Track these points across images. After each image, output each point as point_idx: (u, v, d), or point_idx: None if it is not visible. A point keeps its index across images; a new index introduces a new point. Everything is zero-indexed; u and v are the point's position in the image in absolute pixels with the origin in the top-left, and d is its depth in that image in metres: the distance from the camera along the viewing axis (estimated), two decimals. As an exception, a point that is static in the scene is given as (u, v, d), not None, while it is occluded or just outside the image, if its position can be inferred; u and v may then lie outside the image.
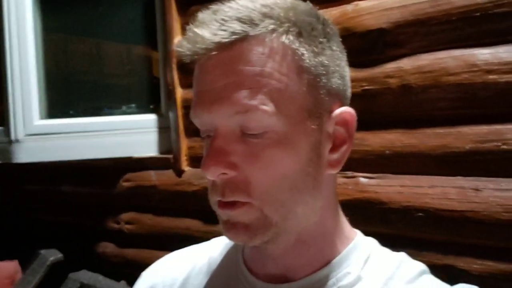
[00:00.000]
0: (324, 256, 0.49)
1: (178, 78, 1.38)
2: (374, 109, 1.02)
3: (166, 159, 1.44)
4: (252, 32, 0.42)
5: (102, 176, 1.60)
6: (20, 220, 1.86)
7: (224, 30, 0.41)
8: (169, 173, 1.44)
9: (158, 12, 1.40)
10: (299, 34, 0.44)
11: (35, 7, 1.54)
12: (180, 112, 1.39)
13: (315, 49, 0.45)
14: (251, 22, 0.42)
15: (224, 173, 0.43)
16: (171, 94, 1.39)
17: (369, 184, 1.02)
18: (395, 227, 0.97)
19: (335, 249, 0.50)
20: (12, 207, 1.89)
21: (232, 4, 0.44)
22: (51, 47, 1.59)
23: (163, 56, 1.42)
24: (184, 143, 1.41)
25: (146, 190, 1.49)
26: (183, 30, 1.37)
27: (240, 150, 0.44)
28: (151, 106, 1.54)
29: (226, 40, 0.41)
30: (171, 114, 1.42)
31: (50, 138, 1.53)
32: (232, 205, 0.44)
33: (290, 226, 0.46)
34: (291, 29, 0.44)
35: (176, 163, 1.42)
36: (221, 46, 0.42)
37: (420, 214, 0.94)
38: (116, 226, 1.59)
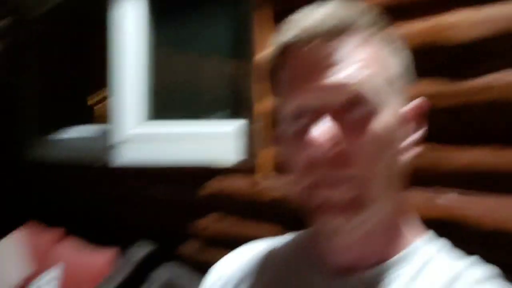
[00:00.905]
0: (383, 253, 0.51)
1: (265, 87, 1.44)
2: (462, 124, 0.98)
3: (249, 166, 1.50)
4: (357, 22, 0.47)
5: (190, 179, 1.71)
6: (113, 219, 2.04)
7: (327, 21, 0.46)
8: (251, 179, 1.49)
9: (252, 22, 1.47)
10: (384, 38, 0.50)
11: (147, 20, 1.70)
12: (265, 120, 1.44)
13: (393, 52, 0.51)
14: (350, 17, 0.47)
15: (326, 148, 0.45)
16: (257, 102, 1.45)
17: (455, 202, 0.98)
18: (480, 250, 0.91)
19: (397, 247, 0.51)
20: (107, 207, 2.08)
21: (328, 6, 0.49)
22: (153, 58, 1.75)
23: (251, 66, 1.49)
24: (267, 151, 1.45)
25: (229, 195, 1.56)
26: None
27: (343, 126, 0.46)
28: (238, 115, 1.62)
29: (330, 28, 0.46)
30: (255, 123, 1.47)
31: (148, 141, 1.67)
32: (331, 184, 0.46)
33: (379, 209, 0.48)
34: (379, 31, 0.49)
35: (258, 170, 1.47)
36: (326, 34, 0.46)
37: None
38: (199, 228, 1.68)
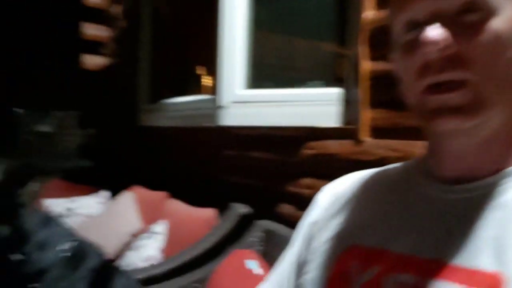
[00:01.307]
0: (500, 163, 0.50)
1: (366, 50, 1.43)
2: None
3: (347, 130, 1.51)
4: None
5: (287, 144, 1.77)
6: (218, 179, 2.18)
7: None
8: (349, 143, 1.50)
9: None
10: None
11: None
12: (366, 83, 1.44)
13: None
14: None
15: (442, 48, 0.45)
16: (358, 66, 1.45)
17: None
18: None
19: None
20: (212, 168, 2.23)
21: None
22: (256, 28, 1.83)
23: (353, 29, 1.49)
24: (367, 114, 1.45)
25: (326, 158, 1.59)
26: (377, 5, 1.43)
27: (459, 27, 0.46)
28: (336, 79, 1.63)
29: None
30: (356, 86, 1.48)
31: (250, 105, 1.76)
32: (448, 87, 0.46)
33: (495, 114, 0.47)
34: None
35: (356, 133, 1.47)
36: None
37: None
38: (295, 190, 1.74)
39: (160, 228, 1.99)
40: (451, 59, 0.46)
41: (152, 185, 2.36)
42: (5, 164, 0.93)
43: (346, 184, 0.67)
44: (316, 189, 1.73)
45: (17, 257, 0.93)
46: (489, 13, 0.46)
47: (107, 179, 2.70)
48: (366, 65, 1.43)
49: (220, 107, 1.82)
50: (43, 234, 0.97)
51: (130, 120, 2.79)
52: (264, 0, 1.86)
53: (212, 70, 2.65)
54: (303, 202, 1.75)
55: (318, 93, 1.63)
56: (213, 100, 1.88)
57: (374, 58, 1.43)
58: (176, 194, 2.18)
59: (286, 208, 1.77)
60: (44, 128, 3.16)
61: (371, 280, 0.53)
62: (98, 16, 3.71)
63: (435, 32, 0.45)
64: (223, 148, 2.13)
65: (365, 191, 0.63)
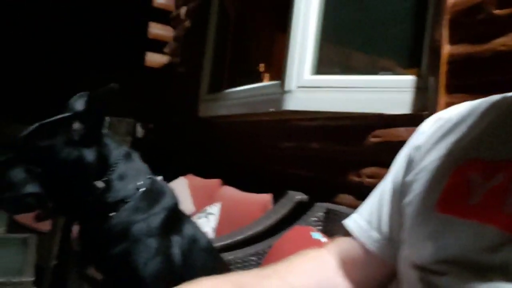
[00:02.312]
0: None
1: (447, 34, 1.40)
2: None
3: (419, 117, 1.46)
4: None
5: (351, 132, 1.74)
6: (275, 169, 2.17)
7: None
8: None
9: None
10: None
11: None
12: (444, 68, 1.40)
13: None
14: None
15: None
16: (437, 50, 1.42)
17: None
18: None
19: None
20: (270, 157, 2.23)
21: None
22: (328, 16, 1.84)
23: (433, 13, 1.47)
24: (443, 100, 1.41)
25: (394, 146, 1.54)
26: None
27: None
28: (409, 65, 1.60)
29: None
30: (432, 72, 1.44)
31: (316, 91, 1.76)
32: None
33: None
34: None
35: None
36: None
37: None
38: (357, 179, 1.70)
39: (214, 209, 2.00)
40: None
41: (209, 173, 2.39)
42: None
43: (454, 111, 0.65)
44: (379, 179, 1.69)
45: (99, 184, 0.96)
46: None
47: (164, 167, 2.75)
48: (446, 48, 1.40)
49: (286, 91, 1.82)
50: (124, 166, 1.00)
51: (191, 111, 2.85)
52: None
53: (272, 68, 2.69)
54: (365, 192, 1.72)
55: (388, 80, 1.60)
56: (278, 86, 1.89)
57: (453, 41, 1.39)
58: (233, 182, 2.19)
59: (346, 199, 1.73)
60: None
61: (498, 185, 0.50)
62: (164, 16, 3.88)
63: None
64: (282, 138, 2.13)
65: (480, 112, 0.60)
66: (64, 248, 2.21)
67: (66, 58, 4.11)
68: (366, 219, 0.66)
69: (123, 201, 0.96)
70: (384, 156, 1.58)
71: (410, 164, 0.64)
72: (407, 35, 1.63)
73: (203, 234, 1.09)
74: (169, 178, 2.56)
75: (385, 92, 1.59)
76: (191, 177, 2.49)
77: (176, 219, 1.02)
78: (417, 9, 1.55)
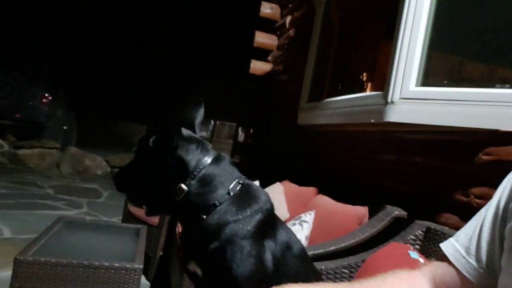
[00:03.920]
0: None
1: None
2: None
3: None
4: None
5: (458, 148, 1.63)
6: (373, 182, 2.12)
7: None
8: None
9: None
10: None
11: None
12: None
13: None
14: None
15: None
16: None
17: None
18: None
19: None
20: (369, 169, 2.17)
21: None
22: (438, 24, 1.75)
23: None
24: None
25: (508, 165, 1.41)
26: None
27: None
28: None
29: None
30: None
31: (421, 103, 1.68)
32: None
33: None
34: None
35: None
36: None
37: None
38: (464, 199, 1.58)
39: (308, 217, 2.00)
40: None
41: (305, 181, 2.40)
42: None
43: None
44: (488, 199, 1.58)
45: (183, 187, 1.02)
46: None
47: (261, 171, 2.84)
48: None
49: (388, 102, 1.77)
50: (212, 171, 1.04)
51: (290, 119, 2.90)
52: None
53: (375, 78, 2.62)
54: (472, 213, 1.60)
55: (505, 93, 1.47)
56: (380, 96, 1.84)
57: None
58: (328, 192, 2.18)
59: (450, 219, 1.62)
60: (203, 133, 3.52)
61: None
62: (269, 25, 4.01)
63: None
64: (382, 150, 2.07)
65: None
66: (169, 242, 2.39)
67: (176, 64, 4.44)
68: (464, 245, 0.63)
69: (214, 204, 1.00)
70: (496, 176, 1.46)
71: None
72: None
73: (298, 241, 1.10)
74: (266, 182, 2.63)
75: (501, 106, 1.47)
76: (287, 183, 2.53)
77: (270, 223, 1.05)
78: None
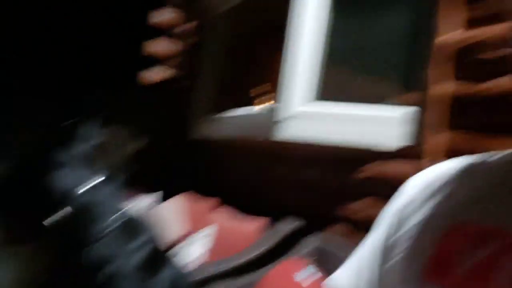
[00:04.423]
0: None
1: (445, 69, 1.39)
2: None
3: (410, 151, 1.45)
4: None
5: (345, 163, 1.72)
6: (269, 195, 2.14)
7: None
8: (411, 165, 1.43)
9: (432, 4, 1.45)
10: None
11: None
12: (441, 105, 1.39)
13: None
14: None
15: None
16: (432, 85, 1.41)
17: None
18: None
19: None
20: (264, 182, 2.19)
21: None
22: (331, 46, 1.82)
23: (430, 51, 1.45)
24: (438, 137, 1.39)
25: (386, 180, 1.52)
26: (467, 23, 1.39)
27: None
28: (403, 98, 1.58)
29: None
30: (427, 107, 1.43)
31: (310, 120, 1.74)
32: None
33: None
34: None
35: (419, 155, 1.41)
36: None
37: None
38: (348, 213, 1.66)
39: (208, 231, 1.97)
40: None
41: (206, 194, 2.36)
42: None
43: (439, 170, 0.63)
44: (372, 213, 1.66)
45: (53, 219, 0.91)
46: None
47: (160, 186, 2.73)
48: (444, 86, 1.39)
49: (280, 120, 1.80)
50: (94, 200, 0.94)
51: (186, 132, 2.83)
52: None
53: (271, 89, 2.67)
54: (357, 225, 1.68)
55: (384, 113, 1.58)
56: (273, 113, 1.87)
57: (454, 78, 1.38)
58: (230, 204, 2.16)
59: (339, 230, 1.70)
60: (97, 140, 3.29)
61: (487, 256, 0.47)
62: (162, 32, 3.88)
63: None
64: (276, 165, 2.10)
65: (469, 173, 0.58)
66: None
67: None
68: (344, 284, 0.63)
69: (94, 236, 0.91)
70: (375, 190, 1.57)
71: (396, 226, 0.62)
72: (407, 68, 1.62)
73: (183, 275, 1.05)
74: (166, 196, 2.53)
75: (383, 124, 1.57)
76: (188, 196, 2.46)
77: (153, 259, 0.98)
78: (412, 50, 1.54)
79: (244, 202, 2.11)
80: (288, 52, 1.80)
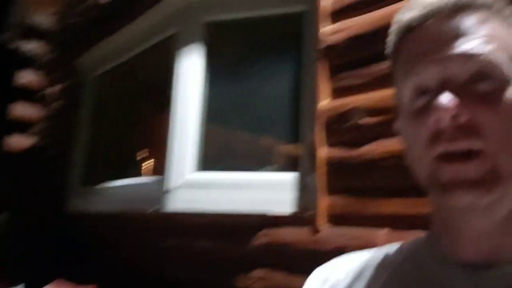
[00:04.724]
0: None
1: (323, 136, 1.46)
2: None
3: (303, 217, 1.47)
4: (474, 2, 0.48)
5: (238, 232, 1.67)
6: (158, 272, 1.98)
7: None
8: (305, 231, 1.45)
9: (307, 74, 1.54)
10: (504, 16, 0.49)
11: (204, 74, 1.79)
12: (322, 170, 1.44)
13: None
14: None
15: (455, 116, 0.44)
16: (314, 152, 1.46)
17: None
18: None
19: None
20: (152, 259, 2.04)
21: None
22: (210, 115, 1.81)
23: (308, 117, 1.52)
24: (323, 201, 1.43)
25: (280, 247, 1.51)
26: (330, 94, 1.50)
27: (471, 96, 0.45)
28: (291, 166, 1.62)
29: (455, 2, 0.47)
30: (312, 172, 1.47)
31: (200, 189, 1.68)
32: (462, 157, 0.44)
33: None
34: (499, 10, 0.49)
35: (313, 221, 1.43)
36: (450, 8, 0.47)
37: None
38: (246, 283, 1.61)
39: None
40: (464, 127, 0.44)
41: (81, 279, 2.09)
42: None
43: (337, 267, 0.62)
44: (269, 281, 1.62)
45: None
46: (502, 83, 0.45)
47: (27, 271, 2.36)
48: (323, 152, 1.45)
49: (168, 190, 1.71)
50: None
51: (58, 205, 2.54)
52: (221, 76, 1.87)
53: (154, 153, 2.56)
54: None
55: (273, 178, 1.60)
56: (160, 183, 1.77)
57: (330, 144, 1.45)
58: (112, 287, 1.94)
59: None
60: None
61: None
62: (29, 95, 3.55)
63: (448, 99, 0.44)
64: (165, 237, 1.97)
65: (363, 275, 0.57)
66: None
67: None
68: None
69: None
70: (271, 258, 1.55)
71: None
72: (292, 133, 1.67)
73: None
74: (33, 285, 2.19)
75: (269, 190, 1.58)
76: (61, 283, 2.16)
77: None
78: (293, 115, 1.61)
79: (129, 283, 1.92)
80: (173, 120, 1.75)
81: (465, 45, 0.46)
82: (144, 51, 2.28)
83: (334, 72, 1.47)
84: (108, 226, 2.29)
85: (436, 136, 0.45)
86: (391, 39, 0.53)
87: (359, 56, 1.39)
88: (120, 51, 2.41)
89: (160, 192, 1.74)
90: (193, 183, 1.68)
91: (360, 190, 1.34)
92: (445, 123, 0.44)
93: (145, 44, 2.24)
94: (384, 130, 1.28)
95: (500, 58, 0.45)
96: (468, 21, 0.47)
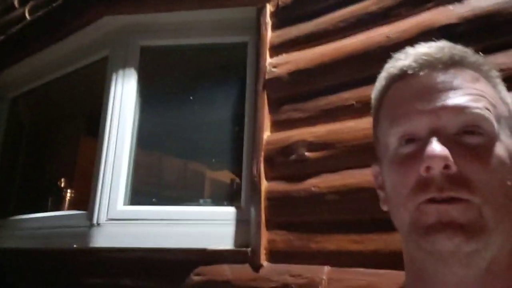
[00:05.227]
0: None
1: (264, 170, 1.43)
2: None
3: (243, 253, 1.41)
4: (469, 58, 0.50)
5: (172, 269, 1.57)
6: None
7: (445, 51, 0.49)
8: (245, 267, 1.39)
9: (249, 107, 1.52)
10: (493, 75, 0.53)
11: (136, 106, 1.71)
12: (263, 204, 1.40)
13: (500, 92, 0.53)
14: (466, 52, 0.51)
15: (446, 166, 0.44)
16: (255, 186, 1.42)
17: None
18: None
19: None
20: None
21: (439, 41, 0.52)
22: (142, 143, 1.72)
23: (249, 149, 1.49)
24: (265, 237, 1.39)
25: (219, 285, 1.43)
26: (272, 127, 1.48)
27: (461, 147, 0.45)
28: (230, 199, 1.57)
29: (451, 56, 0.49)
30: (253, 207, 1.43)
31: (129, 224, 1.56)
32: (450, 200, 0.44)
33: (495, 240, 0.44)
34: (490, 70, 0.52)
35: (253, 257, 1.38)
36: (446, 61, 0.48)
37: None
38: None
39: None
40: (454, 178, 0.44)
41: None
42: None
43: None
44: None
45: None
46: (491, 138, 0.47)
47: None
48: (264, 184, 1.41)
49: (94, 225, 1.56)
50: None
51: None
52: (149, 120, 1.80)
53: (74, 183, 2.37)
54: None
55: (211, 212, 1.53)
56: (85, 217, 1.62)
57: (270, 178, 1.42)
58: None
59: None
60: None
61: None
62: None
63: (440, 148, 0.44)
64: (87, 273, 1.80)
65: None
66: None
67: None
68: None
69: None
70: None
71: None
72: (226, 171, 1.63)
73: None
74: None
75: (206, 225, 1.51)
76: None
77: None
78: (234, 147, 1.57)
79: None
80: (101, 148, 1.62)
81: (457, 99, 0.47)
82: (69, 73, 2.13)
83: (277, 104, 1.46)
84: (23, 263, 2.04)
85: (424, 183, 0.45)
86: (379, 83, 0.53)
87: (302, 90, 1.40)
88: (43, 72, 2.22)
89: (85, 227, 1.59)
90: (123, 217, 1.56)
91: (302, 226, 1.32)
92: (436, 172, 0.44)
93: (71, 66, 2.09)
94: (327, 165, 1.28)
95: (489, 114, 0.47)
96: (461, 76, 0.49)
